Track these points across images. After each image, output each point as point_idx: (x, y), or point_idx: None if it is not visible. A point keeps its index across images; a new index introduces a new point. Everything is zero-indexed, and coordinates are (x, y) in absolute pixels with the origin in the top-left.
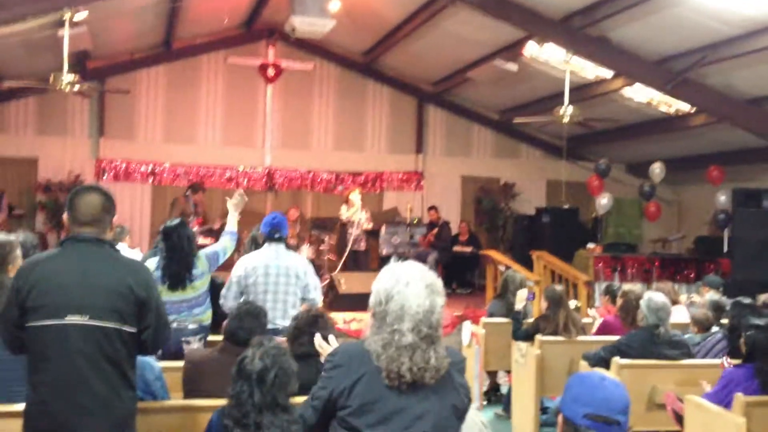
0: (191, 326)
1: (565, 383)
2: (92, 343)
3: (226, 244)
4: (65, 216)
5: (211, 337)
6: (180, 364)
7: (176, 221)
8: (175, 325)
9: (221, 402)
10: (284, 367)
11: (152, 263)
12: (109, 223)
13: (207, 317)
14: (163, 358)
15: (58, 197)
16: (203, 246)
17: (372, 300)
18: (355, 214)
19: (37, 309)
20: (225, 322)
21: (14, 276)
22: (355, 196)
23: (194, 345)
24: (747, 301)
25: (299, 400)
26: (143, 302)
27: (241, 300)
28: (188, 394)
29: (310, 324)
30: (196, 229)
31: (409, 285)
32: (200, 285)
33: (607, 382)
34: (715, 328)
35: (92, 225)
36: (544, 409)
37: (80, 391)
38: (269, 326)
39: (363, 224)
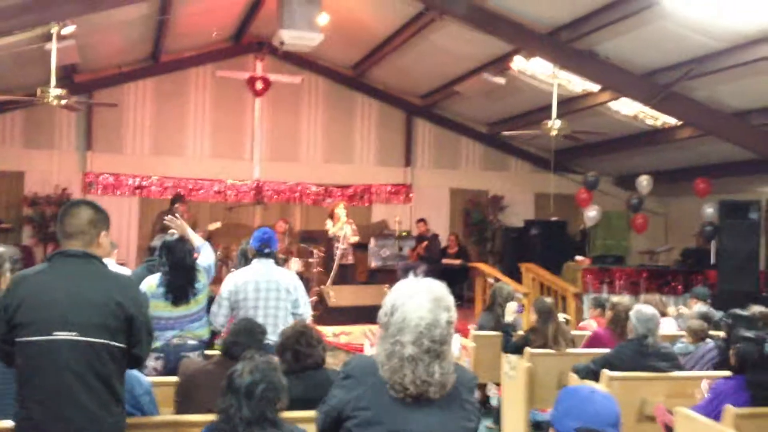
0: (191, 342)
1: (555, 396)
2: (81, 358)
3: (209, 256)
4: (54, 229)
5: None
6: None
7: (176, 236)
8: (175, 341)
9: (210, 417)
10: (273, 382)
11: (154, 280)
12: (96, 237)
13: (206, 332)
14: (165, 373)
15: (45, 211)
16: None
17: (380, 312)
18: (341, 228)
19: (25, 325)
20: (224, 336)
21: (2, 292)
22: (340, 210)
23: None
24: (743, 312)
25: (290, 415)
26: (132, 317)
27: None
28: (181, 405)
29: (295, 340)
30: None
31: (413, 298)
32: (202, 298)
33: (597, 395)
34: (709, 339)
35: (78, 238)
36: (536, 424)
37: (69, 407)
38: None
39: (349, 238)
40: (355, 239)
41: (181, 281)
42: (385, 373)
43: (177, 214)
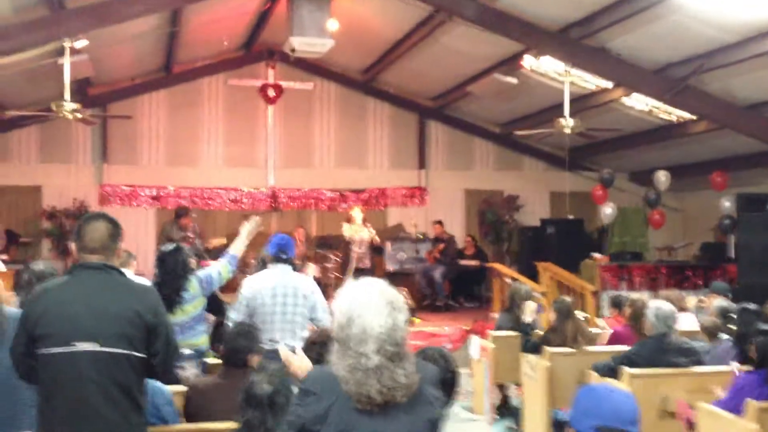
0: (185, 351)
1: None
2: (102, 369)
3: (222, 266)
4: (73, 244)
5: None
6: (178, 389)
7: (171, 246)
8: None
9: (230, 425)
10: (291, 389)
11: None
12: (115, 250)
13: (202, 341)
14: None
15: (63, 224)
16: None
17: (334, 324)
18: (358, 231)
19: (46, 337)
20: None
21: (24, 304)
22: (356, 213)
23: (190, 371)
24: (753, 307)
25: None
26: (152, 327)
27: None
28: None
29: (320, 346)
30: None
31: (369, 306)
32: (191, 308)
33: (616, 394)
34: (723, 335)
35: (99, 252)
36: (559, 424)
37: (91, 417)
38: (278, 347)
39: (366, 241)
40: (376, 239)
41: (167, 290)
42: (351, 388)
43: (174, 228)
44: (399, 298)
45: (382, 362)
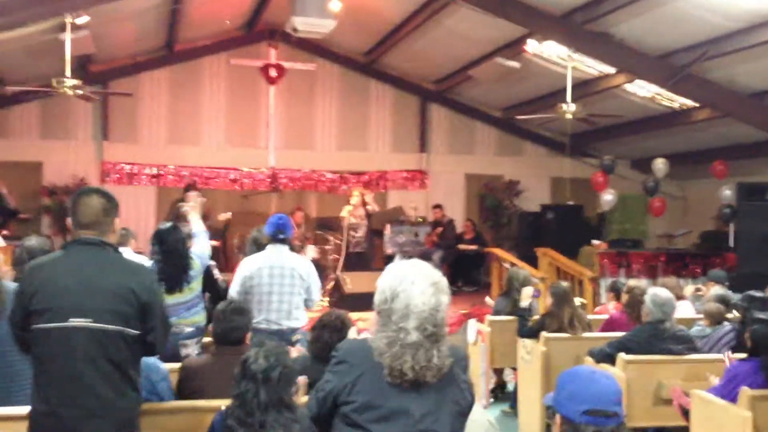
0: (188, 329)
1: None
2: (96, 345)
3: (203, 244)
4: (68, 220)
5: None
6: (177, 366)
7: (168, 224)
8: (172, 329)
9: (225, 402)
10: (288, 365)
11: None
12: (110, 225)
13: (202, 318)
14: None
15: (63, 201)
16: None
17: (377, 298)
18: (353, 213)
19: (41, 312)
20: (211, 326)
21: (20, 279)
22: (354, 197)
23: (191, 348)
24: (759, 294)
25: (303, 398)
26: (146, 304)
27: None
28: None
29: (336, 328)
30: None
31: (415, 283)
32: (196, 286)
33: (598, 375)
34: (725, 322)
35: (93, 227)
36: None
37: (84, 392)
38: (274, 327)
39: (363, 224)
40: (370, 209)
41: (173, 269)
42: (385, 360)
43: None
44: (443, 281)
45: (420, 339)
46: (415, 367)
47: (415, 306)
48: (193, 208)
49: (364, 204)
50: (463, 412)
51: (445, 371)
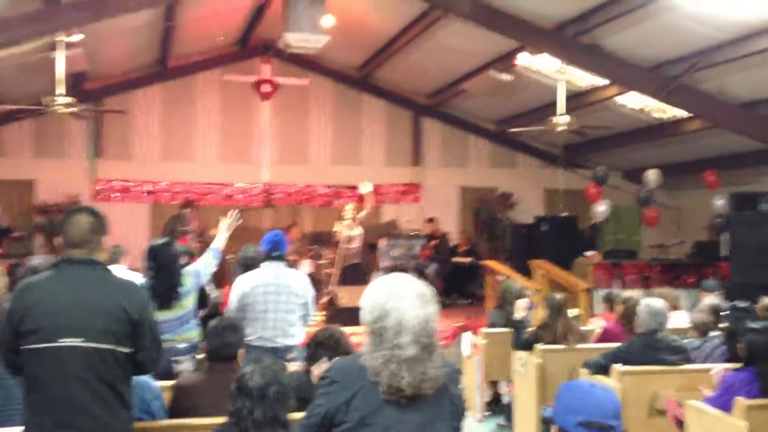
0: (181, 345)
1: None
2: (87, 365)
3: (207, 260)
4: (56, 239)
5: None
6: (170, 383)
7: (161, 240)
8: (165, 345)
9: (219, 420)
10: (284, 384)
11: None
12: (99, 243)
13: (196, 334)
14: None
15: (55, 219)
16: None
17: (366, 318)
18: (347, 228)
19: (31, 332)
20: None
21: (10, 299)
22: (347, 211)
23: (185, 364)
24: (743, 304)
25: (298, 416)
26: (137, 323)
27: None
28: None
29: (330, 346)
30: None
31: (403, 298)
32: (187, 302)
33: (597, 388)
34: (713, 333)
35: (82, 246)
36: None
37: (76, 413)
38: (269, 344)
39: (357, 237)
40: (354, 232)
41: (164, 286)
42: (382, 378)
43: (186, 220)
44: (428, 291)
45: (416, 353)
46: (413, 382)
47: (407, 321)
48: (228, 226)
49: (354, 218)
50: (457, 426)
51: (440, 383)
